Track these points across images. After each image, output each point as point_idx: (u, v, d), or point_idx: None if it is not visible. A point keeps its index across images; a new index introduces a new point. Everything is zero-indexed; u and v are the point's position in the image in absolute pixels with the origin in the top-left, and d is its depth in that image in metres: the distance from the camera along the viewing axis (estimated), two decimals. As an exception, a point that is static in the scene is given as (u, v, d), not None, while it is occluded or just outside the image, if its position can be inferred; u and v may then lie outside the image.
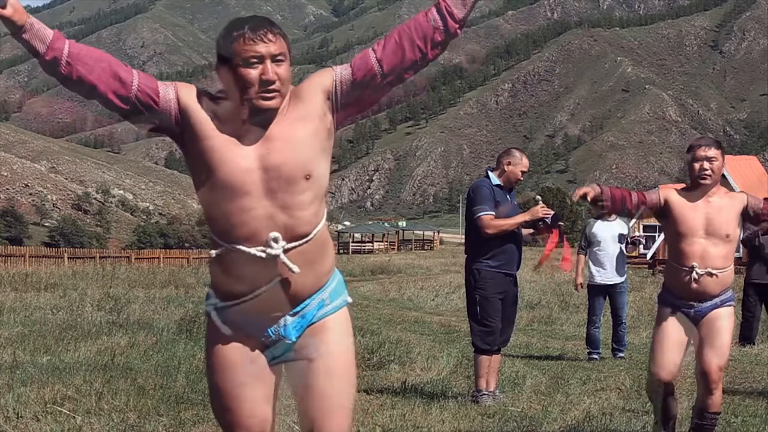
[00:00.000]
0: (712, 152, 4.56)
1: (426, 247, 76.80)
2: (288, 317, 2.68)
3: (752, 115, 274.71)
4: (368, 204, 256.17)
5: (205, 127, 2.58)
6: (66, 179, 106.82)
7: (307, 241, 2.63)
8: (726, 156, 4.75)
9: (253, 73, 2.52)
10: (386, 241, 78.66)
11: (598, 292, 9.91)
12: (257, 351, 2.72)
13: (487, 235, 6.43)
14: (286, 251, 2.59)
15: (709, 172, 4.54)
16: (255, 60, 2.52)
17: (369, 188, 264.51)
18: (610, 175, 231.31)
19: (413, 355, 8.56)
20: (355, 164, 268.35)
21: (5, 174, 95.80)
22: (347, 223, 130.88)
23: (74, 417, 5.31)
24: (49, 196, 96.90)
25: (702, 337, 4.62)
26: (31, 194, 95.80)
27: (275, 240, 2.58)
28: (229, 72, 2.55)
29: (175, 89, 2.61)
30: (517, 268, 6.66)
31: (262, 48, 2.52)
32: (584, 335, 10.19)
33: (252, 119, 2.57)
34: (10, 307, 13.56)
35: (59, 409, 5.49)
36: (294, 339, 2.69)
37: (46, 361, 7.85)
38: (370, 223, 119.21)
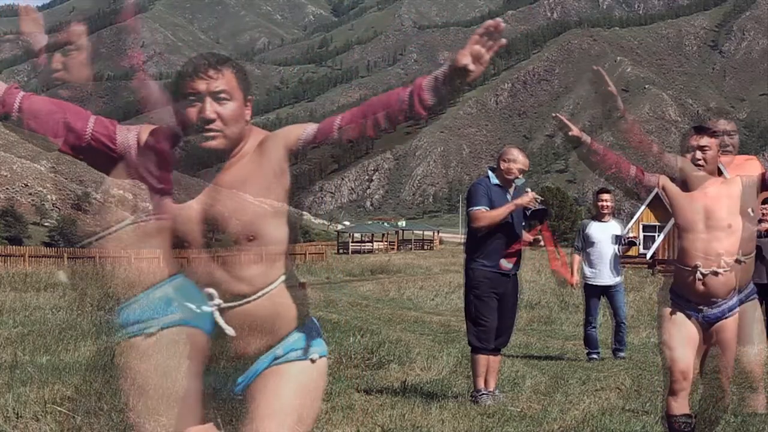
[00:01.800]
0: (704, 141, 4.33)
1: (426, 247, 76.70)
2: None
3: (752, 114, 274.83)
4: (368, 204, 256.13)
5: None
6: (66, 179, 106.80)
7: (247, 302, 2.47)
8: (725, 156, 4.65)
9: (191, 111, 2.42)
10: (386, 241, 78.54)
11: (593, 292, 9.89)
12: None
13: (477, 229, 6.42)
14: (222, 310, 2.45)
15: (701, 162, 4.32)
16: (193, 97, 2.43)
17: (369, 188, 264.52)
18: (611, 174, 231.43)
19: (413, 354, 8.55)
20: (355, 164, 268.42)
21: (5, 174, 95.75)
22: (347, 222, 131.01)
23: (74, 417, 5.31)
24: (48, 196, 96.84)
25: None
26: (30, 194, 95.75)
27: (210, 296, 2.45)
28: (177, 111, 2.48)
29: (137, 134, 2.52)
30: (517, 269, 6.65)
31: (200, 85, 2.42)
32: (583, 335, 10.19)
33: (203, 162, 2.46)
34: (9, 307, 13.57)
35: (59, 409, 5.49)
36: (237, 391, 2.54)
37: (45, 361, 7.85)
38: (369, 222, 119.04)
